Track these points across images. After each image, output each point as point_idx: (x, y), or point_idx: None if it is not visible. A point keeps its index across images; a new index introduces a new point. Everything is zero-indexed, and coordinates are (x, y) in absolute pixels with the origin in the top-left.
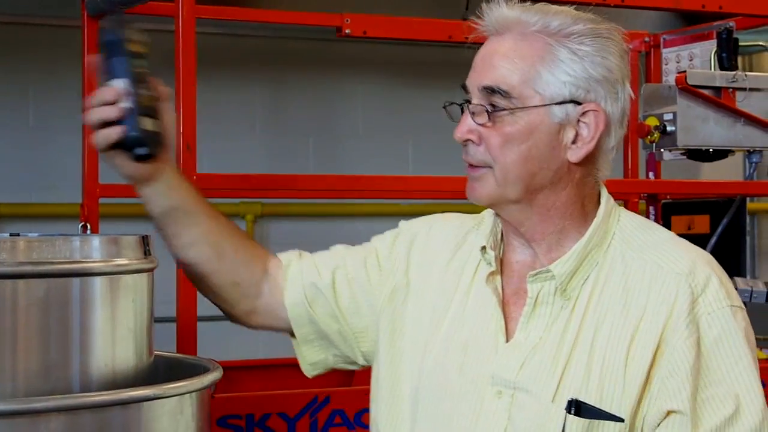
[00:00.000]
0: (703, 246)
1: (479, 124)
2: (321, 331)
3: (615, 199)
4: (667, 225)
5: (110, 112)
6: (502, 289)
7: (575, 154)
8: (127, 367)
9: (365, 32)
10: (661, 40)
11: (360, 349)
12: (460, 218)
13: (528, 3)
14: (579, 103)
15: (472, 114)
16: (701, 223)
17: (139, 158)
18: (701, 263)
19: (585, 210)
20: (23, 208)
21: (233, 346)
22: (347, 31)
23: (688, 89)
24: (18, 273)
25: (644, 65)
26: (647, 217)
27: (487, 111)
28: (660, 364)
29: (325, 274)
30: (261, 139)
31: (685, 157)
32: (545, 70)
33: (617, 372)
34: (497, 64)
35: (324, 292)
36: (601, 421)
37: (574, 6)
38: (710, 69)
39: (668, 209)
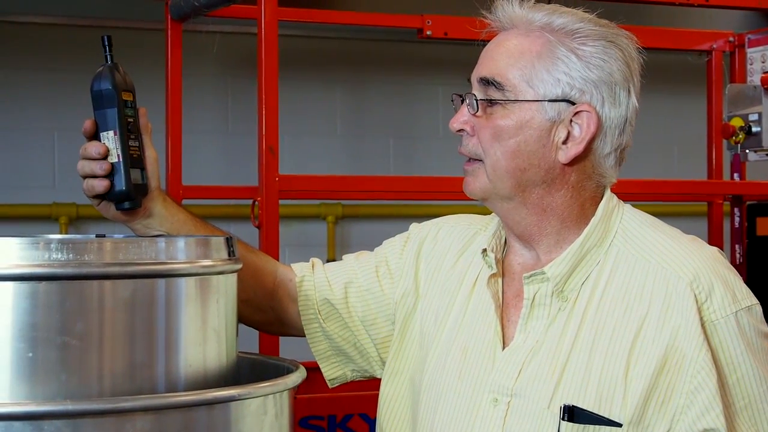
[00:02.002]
0: None
1: (472, 115)
2: (337, 346)
3: (699, 201)
4: (752, 227)
5: (97, 168)
6: (504, 292)
7: (565, 155)
8: (212, 368)
9: (446, 33)
10: (746, 39)
11: (382, 358)
12: (469, 220)
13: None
14: (573, 103)
15: (469, 105)
16: None
17: (125, 210)
18: (706, 266)
19: (585, 213)
20: None
21: None
22: (428, 32)
23: None
24: (105, 274)
25: (728, 65)
26: (732, 219)
27: (478, 101)
28: (678, 375)
29: (337, 288)
30: (342, 141)
31: None
32: (542, 67)
33: (617, 376)
34: (497, 57)
35: (337, 308)
36: (598, 426)
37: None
38: None
39: (753, 211)
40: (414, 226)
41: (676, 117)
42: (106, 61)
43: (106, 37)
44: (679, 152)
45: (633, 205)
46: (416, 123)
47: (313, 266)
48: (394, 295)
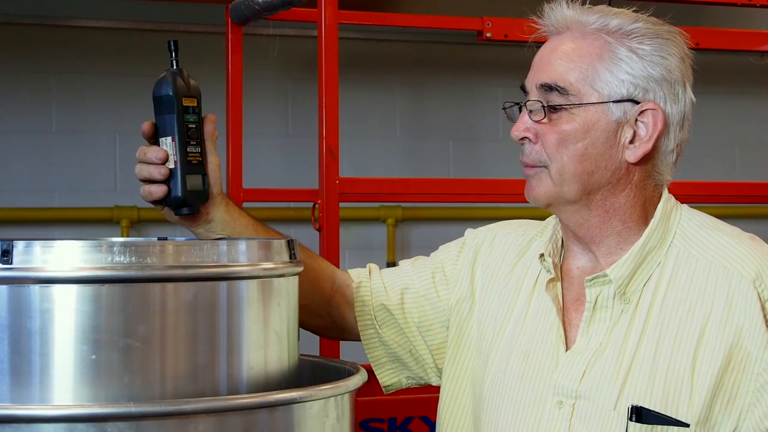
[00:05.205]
0: None
1: (536, 122)
2: (393, 353)
3: (761, 203)
4: None
5: (155, 173)
6: (563, 297)
7: (633, 154)
8: (274, 370)
9: (506, 36)
10: None
11: (437, 365)
12: (524, 225)
13: (588, 4)
14: (637, 102)
15: (530, 112)
16: None
17: (183, 216)
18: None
19: (645, 213)
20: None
21: None
22: (488, 34)
23: None
24: (167, 276)
25: None
26: None
27: (543, 108)
28: (744, 374)
29: (393, 294)
30: (401, 143)
31: None
32: (604, 68)
33: (684, 376)
34: (556, 62)
35: (394, 313)
36: (666, 427)
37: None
38: None
39: None
40: (469, 232)
41: (738, 118)
42: (171, 66)
43: (172, 42)
44: (741, 154)
45: (695, 208)
46: (476, 125)
47: (370, 272)
48: (449, 300)
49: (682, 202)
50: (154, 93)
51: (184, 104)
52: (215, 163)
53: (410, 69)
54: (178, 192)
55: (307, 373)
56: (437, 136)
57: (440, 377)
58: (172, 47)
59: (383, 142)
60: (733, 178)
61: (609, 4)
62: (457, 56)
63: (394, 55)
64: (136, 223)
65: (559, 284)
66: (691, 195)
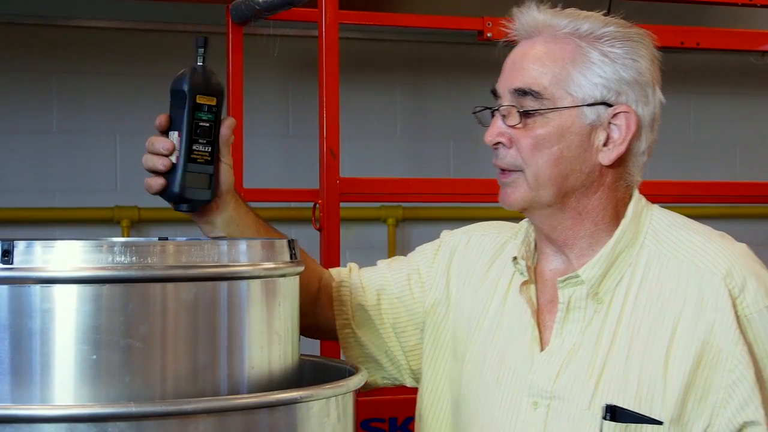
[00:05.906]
0: None
1: (510, 126)
2: (369, 353)
3: (762, 203)
4: None
5: (158, 164)
6: (537, 299)
7: (607, 157)
8: (274, 370)
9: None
10: None
11: (410, 367)
12: (499, 228)
13: (558, 8)
14: (610, 105)
15: (503, 116)
16: None
17: (183, 212)
18: (738, 262)
19: (617, 214)
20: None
21: None
22: (489, 34)
23: None
24: (167, 276)
25: None
26: None
27: (518, 112)
28: (716, 370)
29: (370, 294)
30: (402, 143)
31: None
32: (576, 72)
33: (656, 374)
34: (528, 66)
35: (370, 314)
36: (640, 425)
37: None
38: None
39: None
40: (445, 234)
41: (738, 118)
42: (196, 62)
43: (201, 38)
44: (741, 154)
45: (695, 208)
46: (476, 125)
47: (350, 271)
48: (424, 303)
49: (681, 202)
50: (171, 86)
51: (198, 101)
52: (227, 165)
53: (411, 69)
54: (175, 188)
55: (308, 373)
56: (438, 136)
57: (414, 379)
58: (201, 43)
59: (384, 142)
60: (734, 178)
61: (609, 5)
62: (457, 56)
63: (395, 55)
64: (137, 223)
65: (533, 286)
66: (691, 195)
